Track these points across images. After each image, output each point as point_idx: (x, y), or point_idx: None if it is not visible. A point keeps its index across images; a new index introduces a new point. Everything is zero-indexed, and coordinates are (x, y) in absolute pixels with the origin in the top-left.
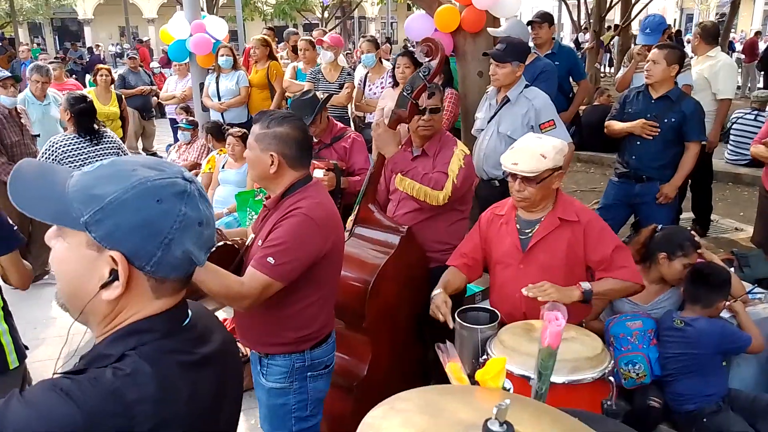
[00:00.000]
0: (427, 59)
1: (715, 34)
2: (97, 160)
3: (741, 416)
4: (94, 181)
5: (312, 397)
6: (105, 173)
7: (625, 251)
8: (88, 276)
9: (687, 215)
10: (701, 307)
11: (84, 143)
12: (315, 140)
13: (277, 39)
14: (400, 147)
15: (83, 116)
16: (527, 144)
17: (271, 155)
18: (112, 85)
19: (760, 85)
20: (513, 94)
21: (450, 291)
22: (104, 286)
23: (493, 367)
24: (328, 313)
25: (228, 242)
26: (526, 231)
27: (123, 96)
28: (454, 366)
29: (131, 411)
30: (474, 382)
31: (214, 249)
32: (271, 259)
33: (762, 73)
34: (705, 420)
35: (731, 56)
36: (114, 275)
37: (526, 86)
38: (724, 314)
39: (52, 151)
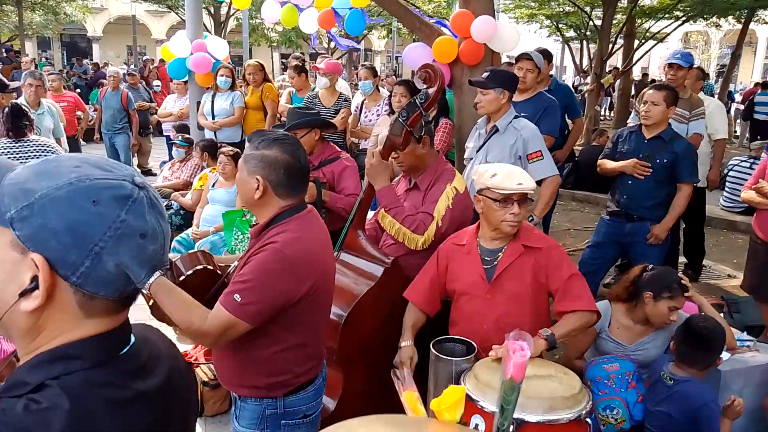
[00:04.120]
0: (425, 86)
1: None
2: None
3: None
4: (31, 174)
5: None
6: (45, 168)
7: (580, 280)
8: (8, 281)
9: (681, 260)
10: (698, 369)
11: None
12: None
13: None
14: (391, 180)
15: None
16: (514, 168)
17: (257, 179)
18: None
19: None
20: (502, 123)
21: (414, 334)
22: (24, 294)
23: (450, 397)
24: (310, 359)
25: (209, 267)
26: (490, 260)
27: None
28: (409, 395)
29: None
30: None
31: (192, 272)
32: (237, 297)
33: (748, 122)
34: None
35: (730, 106)
36: (35, 282)
37: (516, 117)
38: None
39: None
